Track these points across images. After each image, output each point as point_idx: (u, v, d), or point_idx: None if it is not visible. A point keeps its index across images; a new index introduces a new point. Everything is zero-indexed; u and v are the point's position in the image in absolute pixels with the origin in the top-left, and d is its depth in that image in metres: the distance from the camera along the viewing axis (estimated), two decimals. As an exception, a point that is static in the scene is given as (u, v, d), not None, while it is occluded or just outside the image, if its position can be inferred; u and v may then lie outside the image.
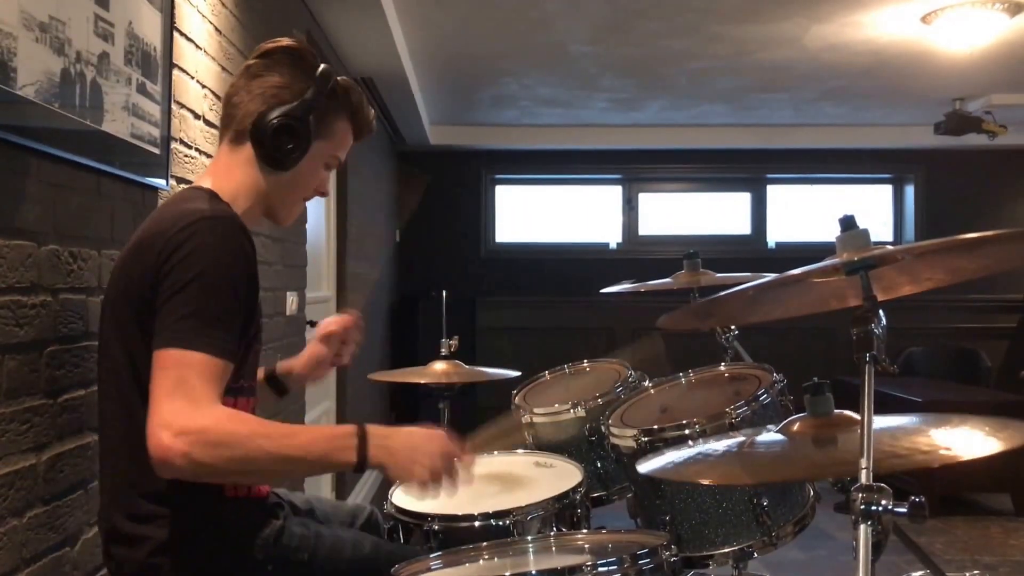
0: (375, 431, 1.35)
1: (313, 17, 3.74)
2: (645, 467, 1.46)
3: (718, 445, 1.50)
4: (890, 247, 1.30)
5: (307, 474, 1.43)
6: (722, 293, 1.41)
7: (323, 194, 1.65)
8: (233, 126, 1.55)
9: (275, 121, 1.49)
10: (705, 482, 1.75)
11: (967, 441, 1.25)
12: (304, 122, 1.52)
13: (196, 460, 1.23)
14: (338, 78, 1.58)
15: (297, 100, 1.51)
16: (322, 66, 1.56)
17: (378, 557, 1.54)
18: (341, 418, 4.59)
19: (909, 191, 7.28)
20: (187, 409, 1.25)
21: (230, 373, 1.34)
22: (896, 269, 1.38)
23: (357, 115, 1.62)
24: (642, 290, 2.89)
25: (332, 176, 4.85)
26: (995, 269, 1.43)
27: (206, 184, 1.54)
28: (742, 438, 1.52)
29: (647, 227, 7.24)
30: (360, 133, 1.65)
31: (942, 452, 1.22)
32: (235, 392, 1.46)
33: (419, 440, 1.39)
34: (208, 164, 2.40)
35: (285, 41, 1.59)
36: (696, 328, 1.74)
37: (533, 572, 1.36)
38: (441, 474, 1.38)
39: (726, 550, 1.85)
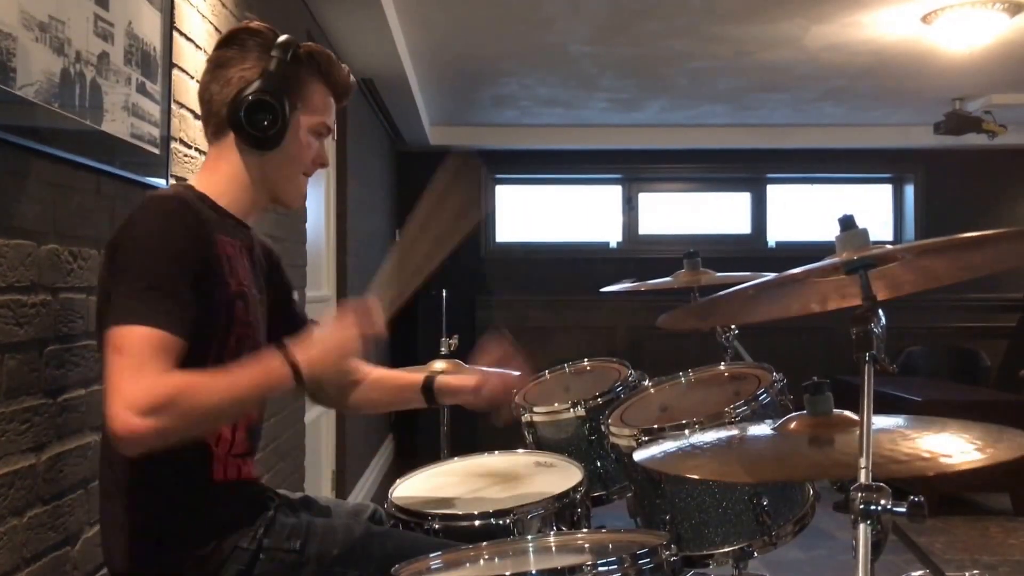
0: (297, 346, 1.39)
1: (313, 17, 3.74)
2: (640, 455, 1.46)
3: (713, 436, 1.50)
4: (889, 246, 1.30)
5: (255, 408, 1.52)
6: (722, 293, 1.41)
7: (323, 165, 1.63)
8: (212, 120, 1.55)
9: (247, 99, 1.48)
10: (704, 476, 1.74)
11: (967, 448, 1.25)
12: (276, 94, 1.50)
13: (165, 430, 1.25)
14: (301, 44, 1.56)
15: (257, 77, 1.50)
16: (281, 36, 1.55)
17: (370, 541, 1.53)
18: (340, 417, 4.59)
19: (909, 191, 7.28)
20: (147, 385, 1.25)
21: (183, 346, 1.32)
22: (896, 268, 1.38)
23: (329, 76, 1.59)
24: (642, 288, 2.88)
25: (332, 175, 4.85)
26: (996, 268, 1.43)
27: (191, 183, 1.55)
28: (736, 431, 1.52)
29: (647, 226, 7.24)
30: (339, 93, 1.62)
31: (942, 459, 1.22)
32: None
33: (333, 325, 1.46)
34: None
35: (241, 24, 1.59)
36: (696, 328, 1.74)
37: (533, 572, 1.36)
38: (370, 333, 1.46)
39: (726, 549, 1.84)
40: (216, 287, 1.44)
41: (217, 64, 1.53)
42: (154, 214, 1.40)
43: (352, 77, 1.66)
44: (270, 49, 1.52)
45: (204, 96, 1.55)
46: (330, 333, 1.45)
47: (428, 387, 1.83)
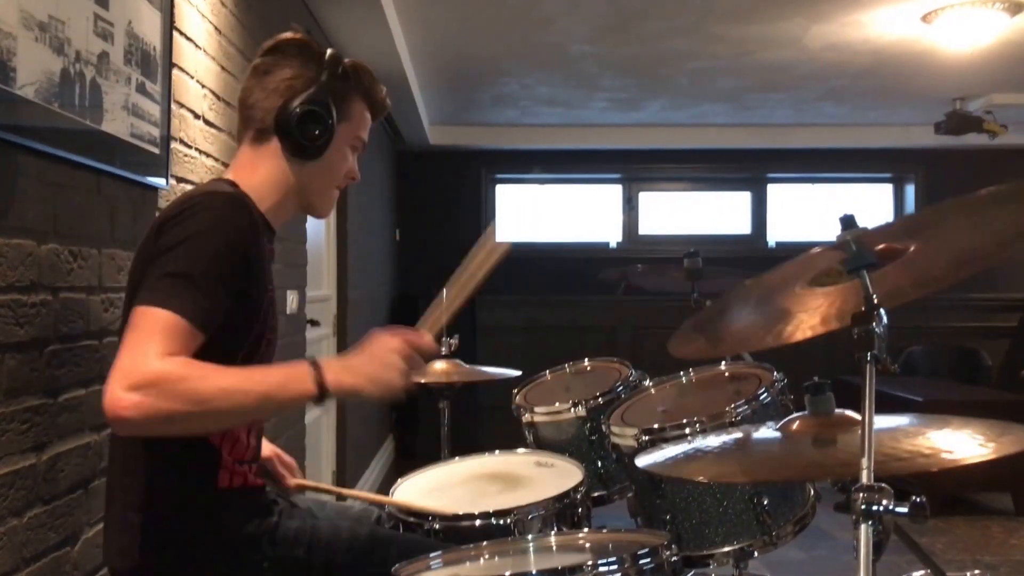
0: (330, 359, 1.34)
1: (313, 17, 3.74)
2: (642, 461, 1.46)
3: (716, 441, 1.50)
4: (888, 222, 1.29)
5: (264, 412, 1.40)
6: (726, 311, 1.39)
7: (354, 179, 1.65)
8: (254, 125, 1.55)
9: (298, 109, 1.50)
10: (702, 479, 1.74)
11: (969, 445, 1.24)
12: (325, 106, 1.52)
13: (147, 412, 1.21)
14: (346, 60, 1.58)
15: (312, 87, 1.51)
16: (329, 50, 1.57)
17: (375, 546, 1.54)
18: (341, 418, 4.59)
19: (909, 190, 7.28)
20: (139, 362, 1.23)
21: (200, 339, 1.31)
22: (896, 269, 1.37)
23: (371, 93, 1.62)
24: (643, 281, 2.88)
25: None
26: (998, 249, 1.39)
27: (226, 177, 1.55)
28: (739, 434, 1.52)
29: (647, 226, 7.24)
30: (375, 111, 1.65)
31: (943, 456, 1.22)
32: None
33: (377, 349, 1.37)
34: (208, 164, 2.40)
35: (287, 35, 1.60)
36: (706, 356, 1.73)
37: (533, 572, 1.36)
38: (409, 371, 1.37)
39: (726, 549, 1.84)
40: (259, 291, 1.45)
41: (263, 72, 1.54)
42: (214, 208, 1.39)
43: (388, 96, 1.68)
44: (315, 60, 1.54)
45: (247, 102, 1.56)
46: (370, 360, 1.36)
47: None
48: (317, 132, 1.52)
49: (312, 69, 1.53)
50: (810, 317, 1.50)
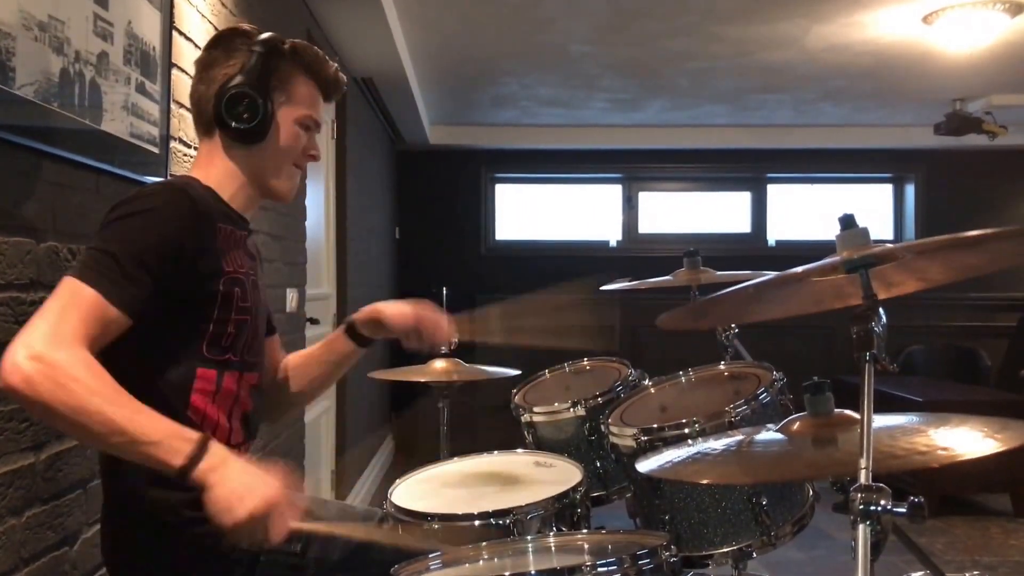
0: (218, 450, 1.25)
1: (313, 17, 3.74)
2: (644, 466, 1.46)
3: (717, 444, 1.49)
4: (890, 245, 1.29)
5: (127, 455, 1.27)
6: (721, 292, 1.40)
7: (314, 158, 1.64)
8: (202, 121, 1.57)
9: (226, 95, 1.51)
10: (704, 481, 1.74)
11: (966, 441, 1.24)
12: (256, 88, 1.52)
13: (33, 391, 1.18)
14: (286, 40, 1.59)
15: (237, 75, 1.53)
16: (264, 34, 1.57)
17: (371, 545, 1.53)
18: (340, 416, 4.59)
19: (909, 191, 7.28)
20: (52, 339, 1.21)
21: (125, 324, 1.30)
22: (897, 267, 1.38)
23: (314, 70, 1.61)
24: (642, 288, 2.88)
25: (331, 174, 4.85)
26: (996, 267, 1.42)
27: (187, 175, 1.56)
28: (741, 437, 1.52)
29: (647, 225, 7.25)
30: (325, 87, 1.64)
31: (940, 452, 1.22)
32: (221, 365, 1.46)
33: (255, 479, 1.26)
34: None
35: (227, 27, 1.62)
36: (694, 328, 1.73)
37: (532, 572, 1.36)
38: (259, 523, 1.24)
39: (725, 550, 1.84)
40: (212, 272, 1.44)
41: (204, 65, 1.56)
42: (154, 195, 1.41)
43: (340, 73, 1.67)
44: (246, 46, 1.55)
45: (193, 97, 1.58)
46: (256, 475, 1.27)
47: (351, 327, 1.77)
48: (247, 115, 1.52)
49: (241, 56, 1.54)
50: (801, 299, 1.51)
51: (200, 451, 1.23)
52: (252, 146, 1.55)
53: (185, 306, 1.40)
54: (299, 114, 1.59)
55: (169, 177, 2.06)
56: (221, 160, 1.56)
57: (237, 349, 1.50)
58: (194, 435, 1.25)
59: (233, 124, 1.52)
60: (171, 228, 1.38)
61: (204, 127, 1.58)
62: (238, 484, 1.23)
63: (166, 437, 1.23)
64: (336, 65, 1.66)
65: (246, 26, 1.60)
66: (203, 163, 1.58)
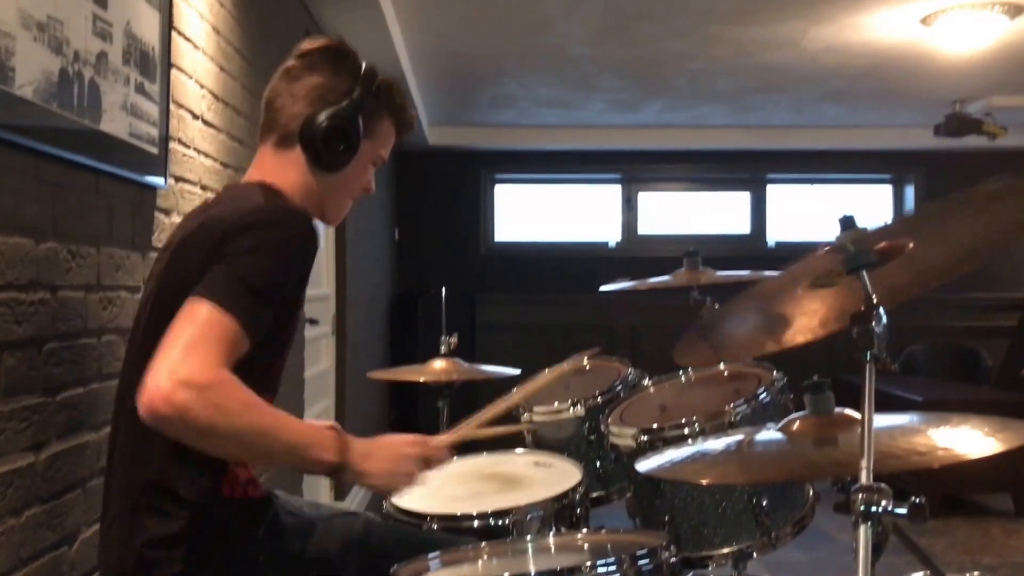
0: (349, 437, 1.36)
1: (312, 17, 3.74)
2: (644, 466, 1.46)
3: (717, 444, 1.49)
4: (886, 223, 1.29)
5: (280, 462, 1.42)
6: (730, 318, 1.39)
7: (368, 191, 1.65)
8: (278, 129, 1.53)
9: (325, 123, 1.48)
10: (704, 482, 1.74)
11: (966, 441, 1.24)
12: (353, 123, 1.51)
13: (190, 415, 1.20)
14: (380, 76, 1.57)
15: (343, 100, 1.50)
16: (365, 64, 1.55)
17: (369, 538, 1.53)
18: (340, 416, 4.59)
19: (909, 192, 7.28)
20: (200, 364, 1.22)
21: (248, 347, 1.31)
22: (895, 268, 1.37)
23: (400, 113, 1.61)
24: (641, 288, 2.88)
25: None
26: (995, 239, 1.39)
27: (269, 182, 1.52)
28: (741, 436, 1.52)
29: (646, 226, 7.25)
30: (402, 131, 1.64)
31: (940, 452, 1.22)
32: (265, 389, 1.43)
33: (395, 452, 1.41)
34: (207, 164, 2.39)
35: (324, 41, 1.58)
36: (713, 363, 1.74)
37: (532, 572, 1.36)
38: (416, 478, 1.42)
39: (725, 550, 1.84)
40: (299, 306, 1.47)
41: (295, 77, 1.53)
42: (293, 226, 1.38)
43: (414, 114, 1.67)
44: (349, 72, 1.53)
45: (273, 104, 1.54)
46: (389, 459, 1.40)
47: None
48: (342, 148, 1.50)
49: (345, 82, 1.51)
50: (809, 320, 1.50)
51: (343, 443, 1.34)
52: (327, 173, 1.53)
53: (276, 332, 1.39)
54: (376, 152, 1.59)
55: (168, 182, 2.05)
56: (295, 175, 1.52)
57: (277, 375, 1.51)
58: (327, 429, 1.36)
59: (325, 153, 1.50)
60: (308, 267, 1.39)
61: (279, 137, 1.53)
62: (386, 462, 1.38)
63: (314, 437, 1.34)
64: (415, 109, 1.65)
65: (342, 44, 1.57)
66: (275, 172, 1.53)
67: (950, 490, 4.80)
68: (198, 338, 1.24)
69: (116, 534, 1.44)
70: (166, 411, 1.19)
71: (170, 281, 1.40)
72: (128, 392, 1.39)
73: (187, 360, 1.21)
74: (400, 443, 1.42)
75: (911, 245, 1.30)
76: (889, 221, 1.29)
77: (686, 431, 1.88)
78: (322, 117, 1.48)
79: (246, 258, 1.32)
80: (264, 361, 1.41)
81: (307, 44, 1.57)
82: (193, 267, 1.34)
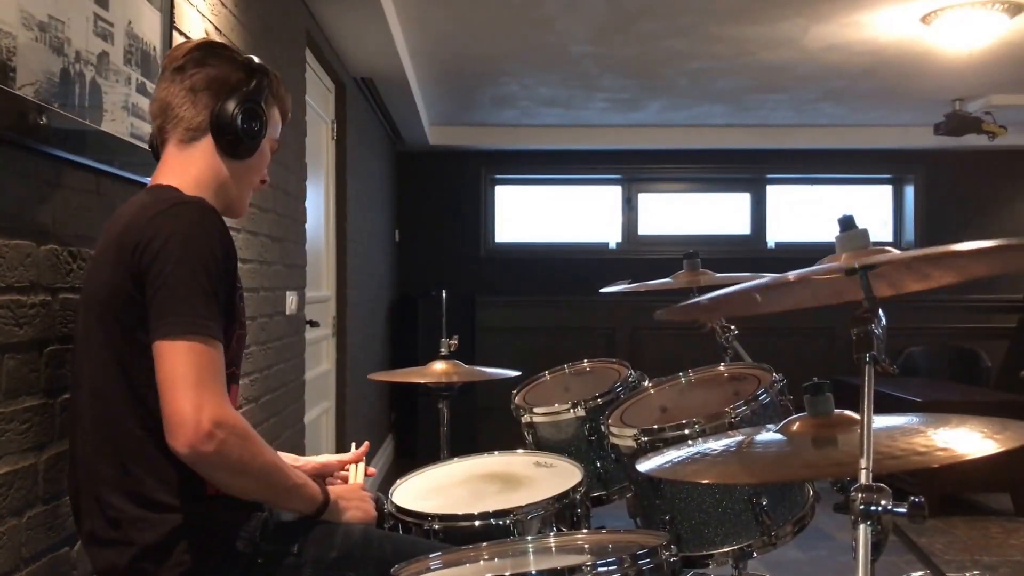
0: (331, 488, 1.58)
1: (313, 17, 3.74)
2: (644, 466, 1.46)
3: (717, 444, 1.50)
4: (889, 251, 1.29)
5: (283, 501, 1.48)
6: (722, 292, 1.40)
7: (265, 182, 1.69)
8: (182, 126, 1.54)
9: (238, 109, 1.52)
10: (704, 481, 1.75)
11: (965, 441, 1.25)
12: (260, 107, 1.56)
13: (227, 452, 1.31)
14: (266, 66, 1.63)
15: (241, 88, 1.54)
16: (250, 56, 1.61)
17: (369, 543, 1.53)
18: (340, 417, 4.59)
19: (909, 191, 7.28)
20: (219, 401, 1.31)
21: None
22: (898, 268, 1.38)
23: (284, 101, 1.67)
24: (641, 290, 2.88)
25: (331, 175, 4.86)
26: (998, 271, 1.42)
27: (164, 183, 1.53)
28: (741, 437, 1.52)
29: (646, 227, 7.25)
30: (286, 118, 1.70)
31: (940, 452, 1.22)
32: (231, 379, 1.46)
33: (351, 491, 1.66)
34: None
35: (197, 40, 1.64)
36: (691, 318, 1.75)
37: (533, 572, 1.36)
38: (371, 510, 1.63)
39: (726, 550, 1.84)
40: (234, 286, 1.47)
41: (187, 73, 1.54)
42: (197, 222, 1.40)
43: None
44: (240, 64, 1.57)
45: (171, 102, 1.54)
46: (356, 495, 1.64)
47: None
48: (257, 129, 1.55)
49: (238, 72, 1.56)
50: (801, 296, 1.51)
51: (322, 485, 1.55)
52: (237, 161, 1.57)
53: (228, 309, 1.45)
54: (273, 138, 1.65)
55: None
56: (200, 168, 1.54)
57: (235, 363, 1.53)
58: (302, 473, 1.54)
59: (242, 138, 1.53)
60: (222, 246, 1.41)
61: (184, 133, 1.54)
62: (354, 499, 1.60)
63: (304, 477, 1.52)
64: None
65: (215, 40, 1.64)
66: (176, 170, 1.53)
67: (950, 490, 4.80)
68: (201, 376, 1.31)
69: (104, 540, 1.42)
70: (208, 450, 1.29)
71: (90, 301, 1.45)
72: (79, 407, 1.45)
73: (211, 400, 1.30)
74: (356, 486, 1.70)
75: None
76: (889, 252, 1.29)
77: (686, 432, 1.88)
78: (232, 104, 1.52)
79: (175, 281, 1.34)
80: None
81: (183, 46, 1.60)
82: (119, 282, 1.39)
